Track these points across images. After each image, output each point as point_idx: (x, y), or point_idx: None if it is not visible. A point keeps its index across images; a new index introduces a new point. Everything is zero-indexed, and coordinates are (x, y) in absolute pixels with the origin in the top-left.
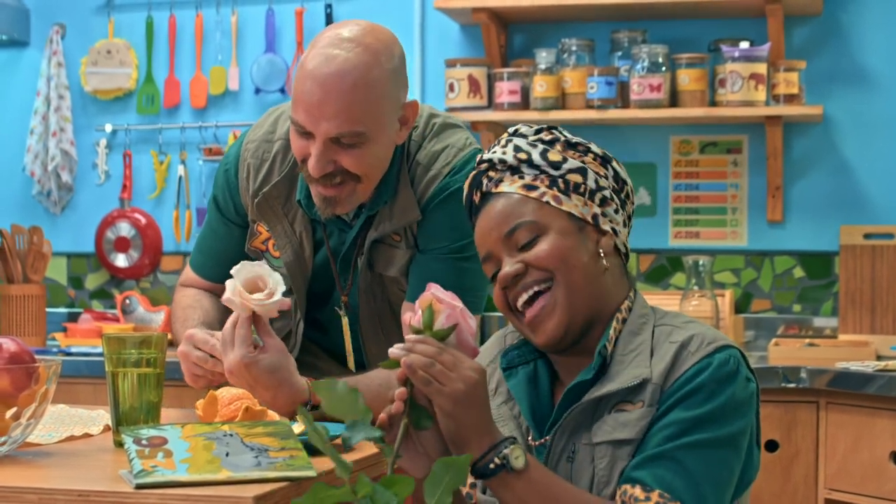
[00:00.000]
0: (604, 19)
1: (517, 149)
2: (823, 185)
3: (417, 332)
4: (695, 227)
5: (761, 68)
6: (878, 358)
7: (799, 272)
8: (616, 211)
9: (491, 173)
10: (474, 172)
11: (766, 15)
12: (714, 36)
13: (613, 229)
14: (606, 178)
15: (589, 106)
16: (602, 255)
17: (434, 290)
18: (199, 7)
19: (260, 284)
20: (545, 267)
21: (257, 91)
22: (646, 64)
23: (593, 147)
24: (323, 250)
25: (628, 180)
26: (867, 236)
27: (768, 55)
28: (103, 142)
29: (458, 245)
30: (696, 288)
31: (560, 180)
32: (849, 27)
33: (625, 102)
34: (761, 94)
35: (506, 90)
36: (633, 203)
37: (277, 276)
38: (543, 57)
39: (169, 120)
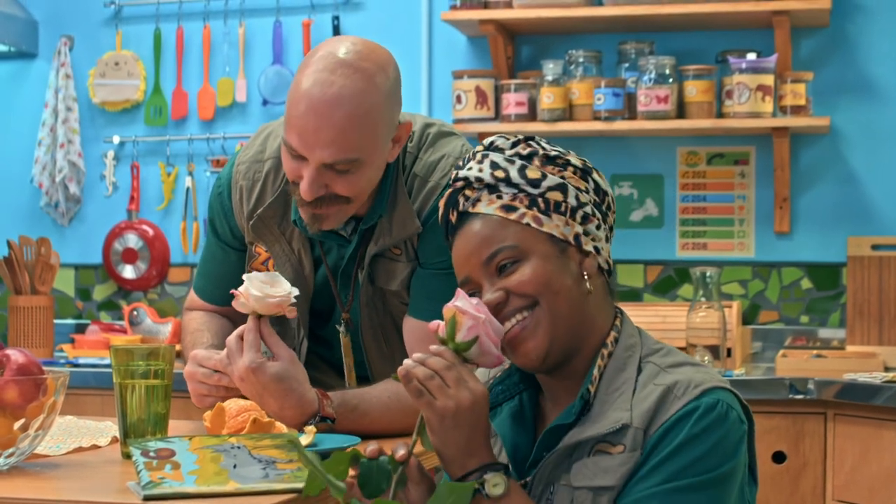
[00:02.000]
0: (611, 31)
1: (494, 165)
2: (831, 197)
3: (442, 342)
4: (702, 238)
5: (768, 80)
6: (886, 369)
7: (806, 283)
8: (598, 227)
9: (467, 192)
10: (450, 191)
11: (774, 26)
12: (721, 47)
13: (596, 248)
14: (587, 191)
15: (596, 117)
16: (586, 277)
17: (458, 302)
18: (207, 19)
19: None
20: (528, 293)
21: (265, 102)
22: (653, 75)
23: (572, 159)
24: (323, 267)
25: (609, 190)
26: (875, 247)
27: (775, 66)
28: (111, 153)
29: None
30: (703, 299)
31: (540, 199)
32: (856, 38)
33: (632, 114)
34: (768, 106)
35: (513, 102)
36: (613, 213)
37: (288, 285)
38: (550, 68)
39: (177, 131)
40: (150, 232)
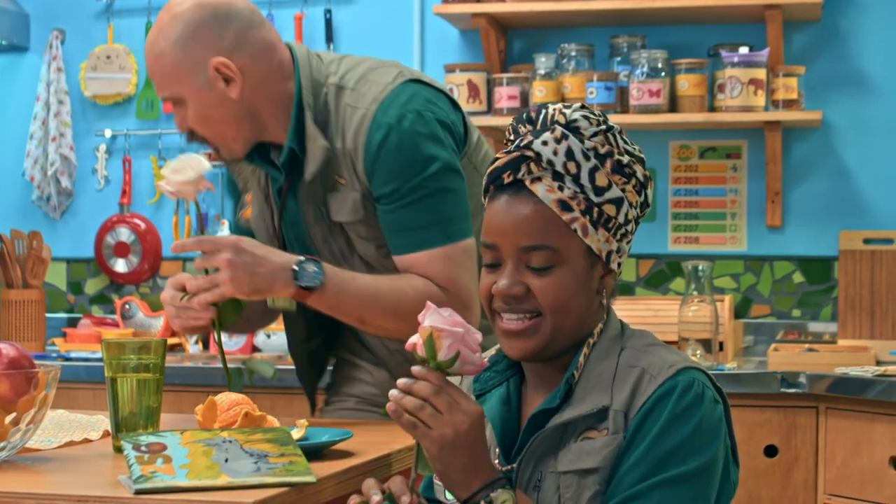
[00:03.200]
0: (603, 24)
1: (570, 154)
2: (823, 191)
3: (422, 360)
4: (694, 232)
5: (760, 73)
6: (878, 363)
7: (798, 277)
8: (629, 241)
9: (533, 166)
10: (517, 154)
11: (766, 20)
12: (713, 41)
13: (619, 263)
14: (636, 206)
15: None
16: (602, 294)
17: (431, 321)
18: None
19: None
20: (544, 306)
21: None
22: (645, 69)
23: (638, 171)
24: (289, 203)
25: (650, 200)
26: (867, 241)
27: (767, 60)
28: (103, 147)
29: (418, 181)
30: (695, 293)
31: (596, 209)
32: (848, 32)
33: (624, 108)
34: (760, 100)
35: (505, 95)
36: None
37: (202, 161)
38: (543, 62)
39: (168, 125)
40: (142, 226)
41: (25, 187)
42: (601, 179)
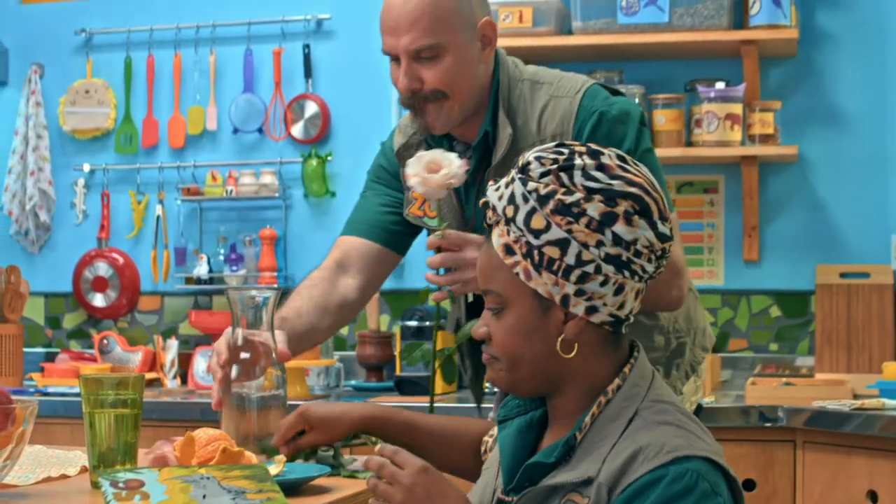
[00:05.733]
0: (581, 60)
1: (511, 199)
2: (799, 225)
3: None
4: None
5: (737, 108)
6: (855, 396)
7: (775, 311)
8: (604, 283)
9: (489, 213)
10: (484, 200)
11: (742, 56)
12: (690, 76)
13: (592, 307)
14: (599, 245)
15: None
16: (562, 340)
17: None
18: (178, 47)
19: (436, 167)
20: (496, 346)
21: (235, 131)
22: None
23: (590, 208)
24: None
25: (639, 236)
26: (843, 275)
27: (744, 96)
28: (81, 181)
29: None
30: None
31: (536, 251)
32: (823, 68)
33: None
34: (737, 135)
35: None
36: (647, 256)
37: (453, 155)
38: None
39: (147, 160)
40: (121, 260)
41: (3, 221)
42: (537, 221)
